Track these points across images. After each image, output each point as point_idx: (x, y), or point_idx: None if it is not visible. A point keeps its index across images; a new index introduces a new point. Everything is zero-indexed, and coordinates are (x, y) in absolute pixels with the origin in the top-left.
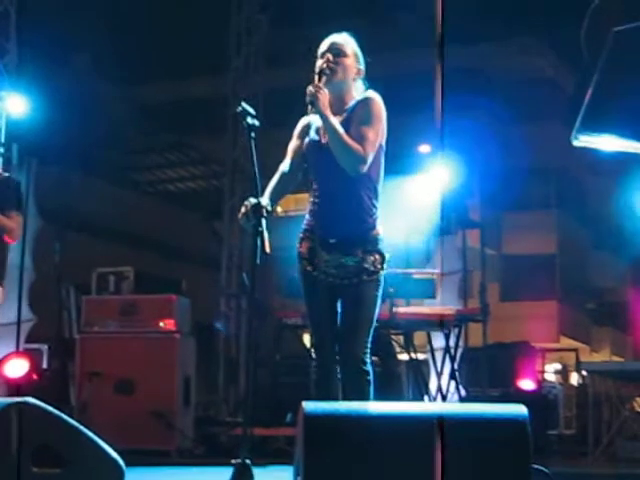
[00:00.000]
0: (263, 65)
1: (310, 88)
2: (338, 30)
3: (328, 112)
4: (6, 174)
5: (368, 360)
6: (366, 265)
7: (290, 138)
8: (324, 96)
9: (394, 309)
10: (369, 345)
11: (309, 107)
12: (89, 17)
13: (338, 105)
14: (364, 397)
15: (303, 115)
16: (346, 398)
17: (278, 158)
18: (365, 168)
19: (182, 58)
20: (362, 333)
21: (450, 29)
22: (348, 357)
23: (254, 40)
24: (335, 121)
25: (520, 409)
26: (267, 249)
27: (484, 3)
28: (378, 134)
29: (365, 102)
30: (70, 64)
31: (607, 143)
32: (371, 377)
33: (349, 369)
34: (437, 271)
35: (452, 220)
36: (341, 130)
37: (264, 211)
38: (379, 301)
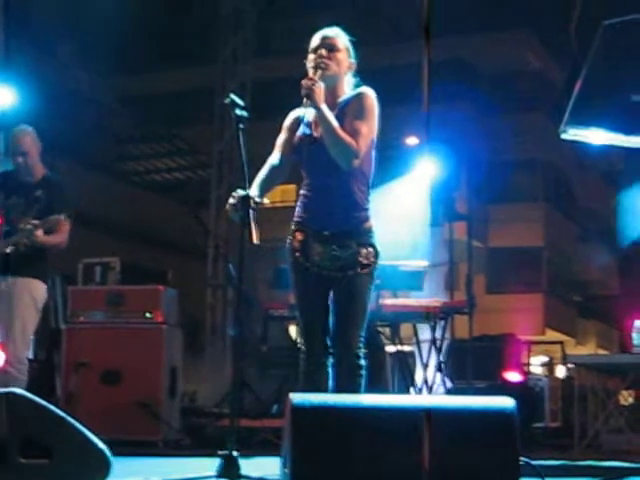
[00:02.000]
0: (251, 56)
1: (306, 81)
2: (325, 21)
3: (324, 106)
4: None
5: (362, 354)
6: (360, 258)
7: (278, 129)
8: (320, 89)
9: (380, 301)
10: (363, 339)
11: (305, 100)
12: (76, 7)
13: (330, 99)
14: (357, 391)
15: (291, 106)
16: (338, 390)
17: (265, 149)
18: (358, 162)
19: (170, 49)
20: (357, 326)
21: (437, 20)
22: (343, 351)
23: (242, 31)
24: (330, 115)
25: (507, 401)
26: (255, 240)
27: None
28: (371, 129)
29: (359, 97)
30: (57, 55)
31: (595, 136)
32: (364, 371)
33: (343, 363)
34: (424, 263)
35: (439, 212)
36: (336, 124)
37: (252, 203)
38: (372, 294)
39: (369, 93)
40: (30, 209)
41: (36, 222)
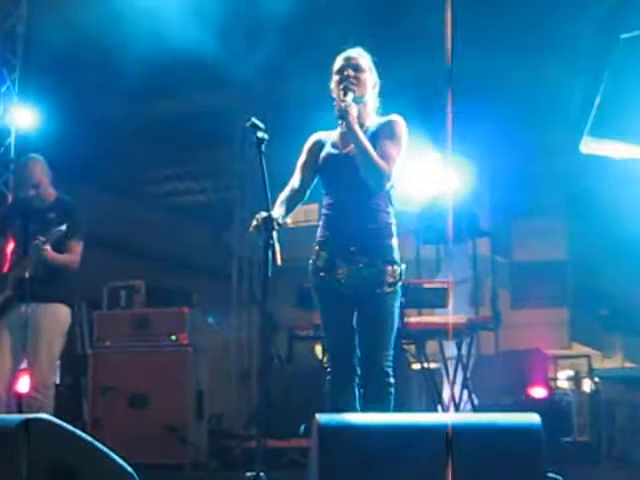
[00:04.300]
0: (271, 78)
1: (340, 103)
2: (347, 39)
3: (357, 127)
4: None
5: (391, 372)
6: (386, 276)
7: (299, 151)
8: (354, 111)
9: (405, 319)
10: (392, 357)
11: (340, 121)
12: (96, 27)
13: (357, 120)
14: (385, 409)
15: (311, 127)
16: (367, 409)
17: (286, 170)
18: (389, 185)
19: (189, 70)
20: (385, 344)
21: (459, 34)
22: (371, 370)
23: (261, 52)
24: (364, 137)
25: (533, 418)
26: (278, 261)
27: (494, 9)
28: (401, 154)
29: (391, 123)
30: (77, 77)
31: (615, 149)
32: (393, 389)
33: (372, 382)
34: (448, 280)
35: (462, 228)
36: (370, 147)
37: (275, 224)
38: (398, 311)
39: (400, 120)
40: (46, 233)
41: (42, 238)
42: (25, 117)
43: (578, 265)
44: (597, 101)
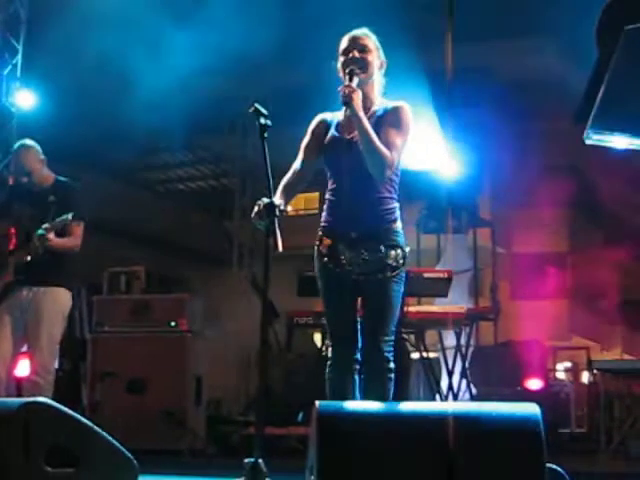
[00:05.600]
0: (273, 64)
1: (344, 88)
2: (354, 21)
3: (362, 113)
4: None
5: (391, 357)
6: (389, 260)
7: (301, 136)
8: (359, 97)
9: (405, 308)
10: (392, 343)
11: (344, 108)
12: (98, 16)
13: (363, 101)
14: (385, 394)
15: (313, 112)
16: (367, 395)
17: (288, 157)
18: (391, 173)
19: (191, 56)
20: (387, 330)
21: (461, 26)
22: (372, 354)
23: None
24: (368, 124)
25: (532, 408)
26: (279, 248)
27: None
28: (405, 142)
29: (397, 110)
30: (79, 62)
31: (619, 141)
32: (393, 375)
33: (373, 366)
34: (448, 269)
35: (463, 219)
36: (374, 135)
37: (277, 211)
38: (401, 297)
39: (406, 107)
40: (46, 216)
41: (47, 225)
42: (27, 100)
43: (578, 257)
44: (601, 92)
